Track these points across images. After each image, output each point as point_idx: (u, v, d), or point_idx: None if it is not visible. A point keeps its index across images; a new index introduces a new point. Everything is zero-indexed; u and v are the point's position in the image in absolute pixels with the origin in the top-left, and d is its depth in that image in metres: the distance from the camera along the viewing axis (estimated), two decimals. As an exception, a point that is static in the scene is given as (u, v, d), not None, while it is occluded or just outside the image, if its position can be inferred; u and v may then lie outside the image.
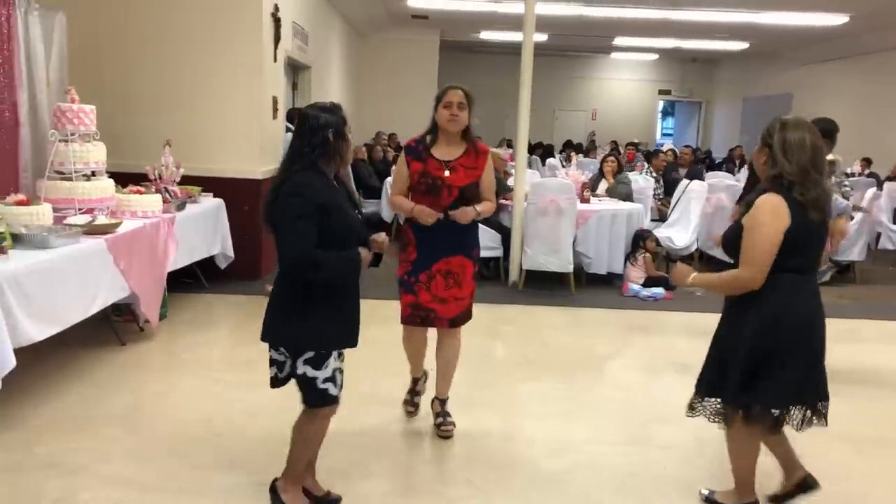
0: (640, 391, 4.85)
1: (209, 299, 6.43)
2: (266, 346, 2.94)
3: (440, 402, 4.03)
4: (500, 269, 7.87)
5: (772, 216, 2.82)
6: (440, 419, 3.99)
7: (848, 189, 9.41)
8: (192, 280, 6.63)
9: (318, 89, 10.68)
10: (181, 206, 5.95)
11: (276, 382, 2.98)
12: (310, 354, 2.85)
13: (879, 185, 10.60)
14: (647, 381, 5.07)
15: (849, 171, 11.90)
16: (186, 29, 7.01)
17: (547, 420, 4.27)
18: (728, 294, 3.02)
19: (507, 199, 7.76)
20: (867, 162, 12.79)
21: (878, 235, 9.96)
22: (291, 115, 8.06)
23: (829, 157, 9.94)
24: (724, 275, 2.98)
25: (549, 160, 12.97)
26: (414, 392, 4.20)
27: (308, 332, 2.83)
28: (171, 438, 3.79)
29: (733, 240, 2.99)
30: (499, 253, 7.75)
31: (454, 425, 3.96)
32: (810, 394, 2.97)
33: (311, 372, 2.86)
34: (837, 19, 11.93)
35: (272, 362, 2.96)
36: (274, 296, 2.89)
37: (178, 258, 5.72)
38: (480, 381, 4.80)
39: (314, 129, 2.81)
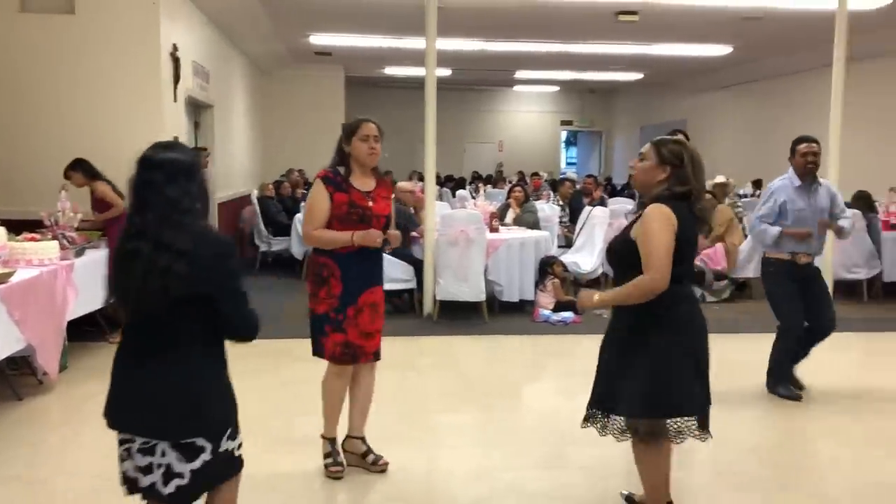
0: (556, 415, 4.92)
1: (112, 348, 6.19)
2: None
3: (361, 439, 3.95)
4: (413, 302, 7.88)
5: (665, 223, 2.95)
6: (372, 456, 3.90)
7: (741, 210, 9.90)
8: (93, 328, 6.38)
9: (222, 127, 10.54)
10: (80, 253, 5.74)
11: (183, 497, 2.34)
12: (230, 428, 2.41)
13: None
14: (562, 404, 5.15)
15: (741, 192, 12.51)
16: (82, 71, 6.84)
17: (465, 449, 4.29)
18: (636, 302, 3.01)
19: (417, 233, 7.81)
20: (757, 184, 13.47)
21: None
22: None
23: (721, 179, 10.52)
24: (627, 285, 3.00)
25: (460, 192, 13.14)
26: (335, 453, 3.89)
27: (231, 402, 2.43)
28: (71, 494, 3.61)
29: (621, 252, 3.12)
30: (412, 285, 7.77)
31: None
32: (707, 402, 3.09)
33: (231, 445, 2.41)
34: (723, 50, 12.61)
35: (152, 469, 2.31)
36: (185, 377, 2.32)
37: (78, 306, 5.50)
38: (398, 414, 4.78)
39: (190, 175, 2.34)
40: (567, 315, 7.44)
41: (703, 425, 3.07)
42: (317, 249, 3.77)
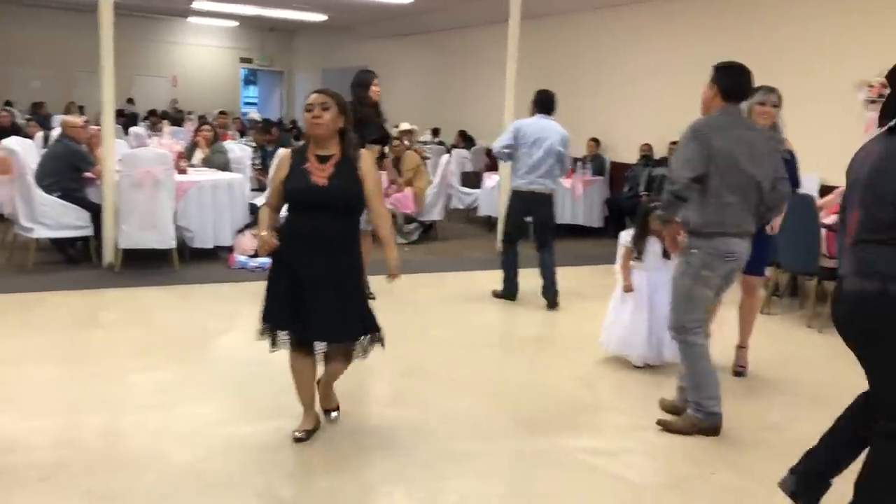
0: (264, 363, 4.75)
1: None
2: None
3: None
4: (90, 250, 7.09)
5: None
6: None
7: (428, 157, 10.38)
8: None
9: None
10: None
11: None
12: None
13: (448, 152, 11.86)
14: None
15: (422, 138, 13.12)
16: None
17: (173, 408, 3.97)
18: None
19: (93, 173, 7.01)
20: (436, 132, 14.22)
21: (450, 197, 11.16)
22: None
23: (407, 126, 10.91)
24: (388, 224, 3.51)
25: (134, 129, 12.03)
26: None
27: None
28: None
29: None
30: (89, 232, 6.97)
31: None
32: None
33: None
34: (407, -3, 12.95)
35: None
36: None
37: None
38: (90, 375, 4.30)
39: None
40: (266, 260, 7.21)
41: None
42: None
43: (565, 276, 6.51)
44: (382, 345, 3.56)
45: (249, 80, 23.09)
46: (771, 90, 4.61)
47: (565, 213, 10.05)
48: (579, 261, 8.45)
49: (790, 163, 4.68)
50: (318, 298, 3.39)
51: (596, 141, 10.82)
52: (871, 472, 2.72)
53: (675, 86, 9.76)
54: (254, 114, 17.31)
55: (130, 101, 17.74)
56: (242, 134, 12.41)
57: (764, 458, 3.68)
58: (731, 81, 3.78)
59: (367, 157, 3.52)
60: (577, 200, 10.05)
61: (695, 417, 3.84)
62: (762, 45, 8.77)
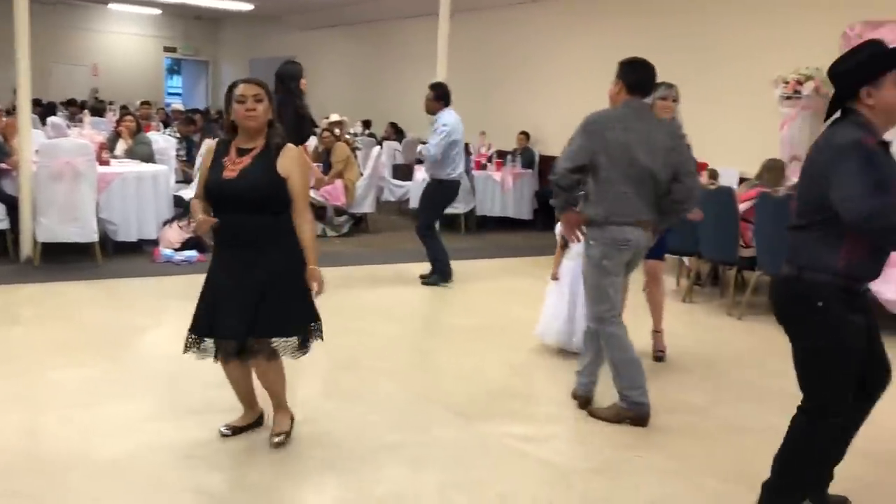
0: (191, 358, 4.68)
1: None
2: None
3: None
4: (7, 244, 6.83)
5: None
6: None
7: (359, 147, 10.33)
8: None
9: None
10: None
11: None
12: None
13: (379, 144, 11.82)
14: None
15: (352, 130, 13.03)
16: None
17: (99, 406, 3.88)
18: None
19: (9, 164, 6.75)
20: (367, 124, 14.14)
21: (381, 189, 11.13)
22: None
23: (336, 117, 10.81)
24: (310, 224, 3.37)
25: (52, 119, 11.59)
26: None
27: None
28: None
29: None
30: (4, 225, 6.71)
31: None
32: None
33: None
34: (334, -11, 12.84)
35: None
36: None
37: None
38: (8, 374, 4.16)
39: None
40: (192, 254, 7.09)
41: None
42: None
43: (496, 268, 6.60)
44: (321, 338, 3.46)
45: (173, 69, 22.49)
46: (670, 86, 4.78)
47: (495, 206, 10.17)
48: (509, 252, 8.57)
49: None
50: (233, 299, 3.25)
51: (526, 134, 10.94)
52: (785, 445, 2.87)
53: (604, 80, 9.90)
54: (177, 104, 16.89)
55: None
56: (166, 125, 12.10)
57: (688, 440, 3.82)
58: (635, 76, 3.91)
59: (292, 153, 3.33)
60: (507, 193, 10.17)
61: (620, 407, 3.94)
62: (688, 41, 9.03)
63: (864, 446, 3.14)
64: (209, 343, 3.34)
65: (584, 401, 4.10)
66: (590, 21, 10.52)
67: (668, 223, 4.09)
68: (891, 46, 2.77)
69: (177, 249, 7.15)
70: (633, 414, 3.92)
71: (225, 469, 3.31)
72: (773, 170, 6.63)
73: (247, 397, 3.59)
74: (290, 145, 3.37)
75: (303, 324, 3.36)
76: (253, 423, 3.64)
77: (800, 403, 2.87)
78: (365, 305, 6.10)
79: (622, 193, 3.77)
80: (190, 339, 3.37)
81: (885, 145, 2.74)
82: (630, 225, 3.81)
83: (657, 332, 5.11)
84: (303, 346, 3.37)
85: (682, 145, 4.00)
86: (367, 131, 13.66)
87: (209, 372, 3.61)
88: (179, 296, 6.12)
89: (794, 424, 2.88)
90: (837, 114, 2.79)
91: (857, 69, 2.70)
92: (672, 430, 3.95)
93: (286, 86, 5.88)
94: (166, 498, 3.04)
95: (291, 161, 3.30)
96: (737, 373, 4.92)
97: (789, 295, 2.82)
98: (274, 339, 3.31)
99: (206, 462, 3.32)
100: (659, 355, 5.05)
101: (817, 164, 2.72)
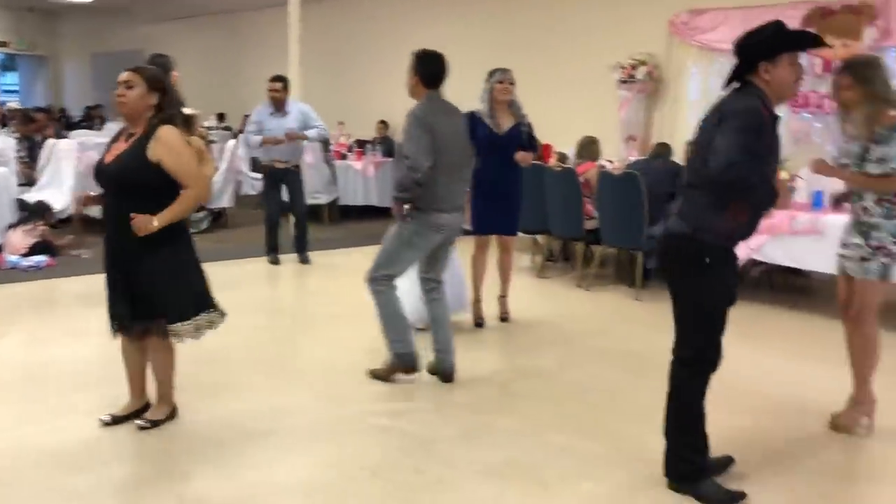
0: (49, 364, 4.56)
1: None
2: None
3: None
4: None
5: (184, 140, 3.40)
6: None
7: (214, 140, 10.16)
8: None
9: None
10: None
11: None
12: None
13: (234, 137, 11.63)
14: (57, 351, 4.77)
15: (207, 123, 12.73)
16: None
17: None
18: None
19: None
20: (220, 117, 13.86)
21: (240, 183, 10.97)
22: None
23: (188, 110, 10.55)
24: (183, 199, 3.36)
25: None
26: None
27: None
28: None
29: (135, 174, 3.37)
30: None
31: None
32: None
33: None
34: (180, -20, 12.48)
35: None
36: None
37: None
38: None
39: None
40: (40, 259, 6.81)
41: None
42: None
43: (360, 256, 6.72)
44: (214, 324, 3.63)
45: (7, 66, 21.07)
46: (505, 70, 5.22)
47: (358, 195, 10.27)
48: (373, 241, 8.63)
49: (530, 133, 5.32)
50: (115, 281, 3.45)
51: (384, 123, 11.09)
52: (671, 403, 3.09)
53: (457, 67, 10.23)
54: (13, 102, 15.89)
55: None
56: (3, 124, 11.42)
57: (539, 402, 4.12)
58: (430, 69, 4.19)
59: (163, 135, 3.31)
60: (369, 181, 10.29)
61: (392, 361, 4.26)
62: (533, 29, 9.45)
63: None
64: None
65: (443, 374, 4.33)
66: (440, 7, 10.77)
67: None
68: (792, 29, 3.04)
69: (24, 255, 6.84)
70: (400, 363, 4.25)
71: (89, 468, 3.27)
72: (588, 145, 7.18)
73: (134, 379, 3.68)
74: (164, 128, 3.34)
75: (181, 308, 3.48)
76: (135, 412, 3.68)
77: (676, 353, 3.07)
78: (227, 300, 6.04)
79: (441, 182, 4.06)
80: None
81: (776, 119, 2.99)
82: (446, 212, 4.12)
83: (503, 297, 5.63)
84: (193, 330, 3.52)
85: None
86: (222, 124, 13.41)
87: (70, 377, 3.57)
88: (30, 302, 5.91)
89: (676, 380, 3.07)
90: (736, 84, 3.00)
91: (759, 45, 2.95)
92: (525, 394, 4.24)
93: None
94: (30, 499, 3.00)
95: (162, 144, 3.32)
96: (585, 339, 5.30)
97: (683, 254, 3.01)
98: (156, 322, 3.45)
99: (72, 463, 3.29)
100: (504, 317, 5.57)
101: (707, 129, 2.95)
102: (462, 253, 6.03)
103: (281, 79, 7.23)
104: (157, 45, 16.15)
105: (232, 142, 10.16)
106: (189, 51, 15.77)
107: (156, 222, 3.28)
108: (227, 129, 13.03)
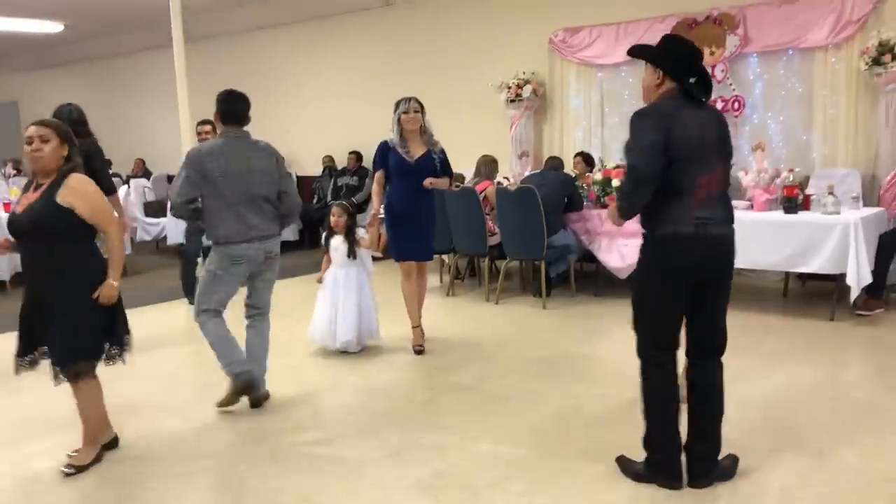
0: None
1: None
2: None
3: None
4: None
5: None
6: None
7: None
8: None
9: None
10: None
11: None
12: None
13: (126, 183, 11.32)
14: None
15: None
16: None
17: None
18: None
19: None
20: (107, 163, 13.40)
21: (135, 230, 10.69)
22: None
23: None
24: (114, 244, 3.57)
25: None
26: None
27: None
28: None
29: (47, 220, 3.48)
30: None
31: None
32: None
33: None
34: (54, 27, 12.10)
35: None
36: None
37: None
38: None
39: None
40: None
41: None
42: None
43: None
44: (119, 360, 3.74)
45: None
46: (409, 99, 5.29)
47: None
48: (282, 274, 8.61)
49: (443, 160, 5.39)
50: (32, 323, 3.54)
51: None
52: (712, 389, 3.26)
53: (348, 98, 10.34)
54: None
55: None
56: None
57: (461, 415, 4.22)
58: (227, 107, 4.39)
59: (74, 182, 3.47)
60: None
61: (230, 385, 4.34)
62: (422, 55, 9.67)
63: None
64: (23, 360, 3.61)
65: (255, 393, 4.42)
66: (327, 41, 10.86)
67: (283, 228, 4.56)
68: (657, 41, 3.26)
69: None
70: (240, 384, 4.31)
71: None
72: (487, 164, 7.42)
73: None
74: (74, 175, 3.50)
75: (81, 356, 3.54)
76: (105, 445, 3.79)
77: (723, 353, 3.25)
78: (137, 347, 5.91)
79: (235, 216, 4.19)
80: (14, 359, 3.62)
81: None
82: (242, 243, 4.23)
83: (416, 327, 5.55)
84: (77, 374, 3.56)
85: (281, 168, 4.46)
86: (109, 171, 12.99)
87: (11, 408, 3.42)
88: None
89: (720, 377, 3.23)
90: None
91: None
92: (448, 409, 4.35)
93: (76, 130, 5.46)
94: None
95: (72, 191, 3.45)
96: (499, 351, 5.45)
97: (732, 249, 3.21)
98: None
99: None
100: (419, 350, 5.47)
101: (722, 134, 3.18)
102: (382, 279, 6.15)
103: (209, 122, 7.05)
104: (33, 94, 15.62)
105: (123, 188, 9.89)
106: (70, 99, 15.21)
107: (115, 283, 3.51)
108: (115, 175, 12.64)
